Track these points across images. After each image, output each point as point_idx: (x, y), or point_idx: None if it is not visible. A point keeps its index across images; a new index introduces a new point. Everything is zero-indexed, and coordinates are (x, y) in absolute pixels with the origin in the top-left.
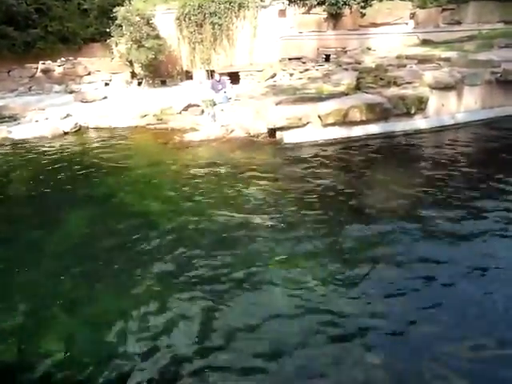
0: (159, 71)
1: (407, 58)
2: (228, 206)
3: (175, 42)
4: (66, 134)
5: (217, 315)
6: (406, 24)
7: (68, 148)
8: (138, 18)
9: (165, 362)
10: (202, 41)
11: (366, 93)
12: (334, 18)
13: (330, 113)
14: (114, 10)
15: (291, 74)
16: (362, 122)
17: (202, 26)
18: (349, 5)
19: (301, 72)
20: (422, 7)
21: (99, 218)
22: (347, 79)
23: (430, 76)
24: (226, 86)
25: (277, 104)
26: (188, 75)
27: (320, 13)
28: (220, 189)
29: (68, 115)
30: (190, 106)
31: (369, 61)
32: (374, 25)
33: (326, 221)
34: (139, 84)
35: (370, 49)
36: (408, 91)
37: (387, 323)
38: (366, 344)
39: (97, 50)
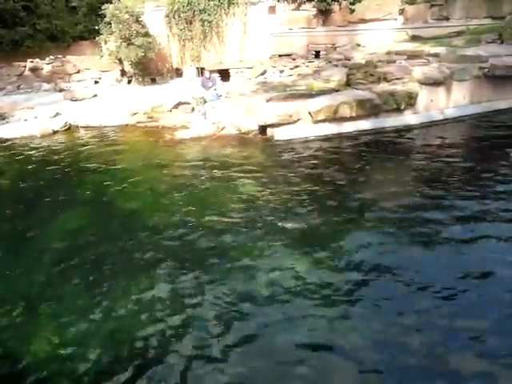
0: (149, 69)
1: (396, 53)
2: (219, 204)
3: (165, 39)
4: (55, 132)
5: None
6: (395, 20)
7: (57, 147)
8: (127, 16)
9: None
10: (191, 38)
11: (356, 89)
12: (324, 14)
13: (321, 109)
14: (102, 8)
15: (281, 71)
16: (352, 118)
17: (191, 23)
18: (338, 1)
19: (291, 69)
20: (411, 3)
21: (88, 217)
22: (337, 75)
23: (419, 72)
24: (216, 84)
25: (267, 101)
26: (178, 73)
27: (309, 9)
28: (211, 186)
29: (57, 114)
30: (180, 103)
31: (358, 57)
32: (363, 21)
33: (316, 216)
34: (129, 82)
35: (359, 45)
36: (398, 87)
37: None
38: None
39: (86, 48)
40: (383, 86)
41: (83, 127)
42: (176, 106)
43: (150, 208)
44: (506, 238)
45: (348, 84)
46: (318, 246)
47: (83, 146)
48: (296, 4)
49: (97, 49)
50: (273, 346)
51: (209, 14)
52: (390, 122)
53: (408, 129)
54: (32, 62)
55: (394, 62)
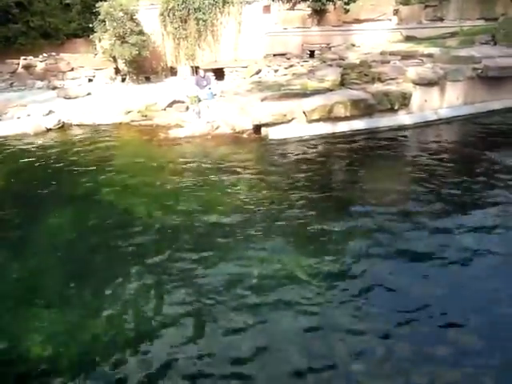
0: (143, 67)
1: (391, 53)
2: (212, 202)
3: (159, 37)
4: (48, 130)
5: (202, 312)
6: (390, 20)
7: (50, 145)
8: (121, 14)
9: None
10: (186, 37)
11: (351, 89)
12: (318, 14)
13: (315, 109)
14: (96, 6)
15: (276, 70)
16: (346, 118)
17: (186, 21)
18: (332, 1)
19: (286, 68)
20: (405, 4)
21: (81, 215)
22: (332, 75)
23: (413, 72)
24: (210, 83)
25: (262, 100)
26: (172, 71)
27: (304, 9)
28: (205, 186)
29: (51, 112)
30: (174, 102)
31: (353, 57)
32: (358, 21)
33: (309, 216)
34: (123, 80)
35: (354, 45)
36: (392, 87)
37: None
38: None
39: (80, 46)
40: (377, 86)
41: (77, 125)
42: (170, 105)
43: (143, 207)
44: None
45: (342, 84)
46: (312, 246)
47: (76, 144)
48: (291, 3)
49: (91, 47)
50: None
51: (203, 13)
52: (384, 121)
53: (402, 129)
54: (25, 59)
55: (389, 62)
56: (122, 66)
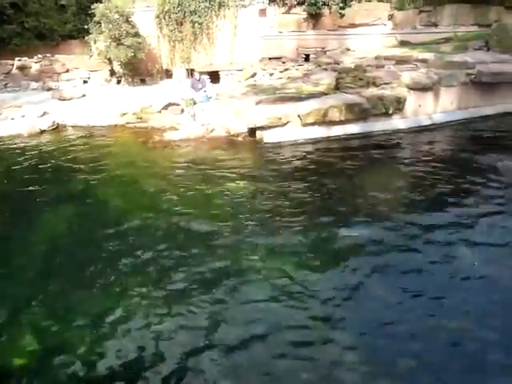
0: (139, 69)
1: (385, 58)
2: (207, 206)
3: (155, 40)
4: (43, 132)
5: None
6: (385, 25)
7: (45, 146)
8: (116, 16)
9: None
10: (181, 39)
11: (345, 93)
12: (314, 18)
13: (310, 112)
14: (92, 7)
15: (271, 74)
16: (341, 122)
17: (182, 24)
18: (328, 5)
19: (281, 72)
20: (400, 9)
21: (75, 218)
22: (326, 79)
23: (407, 77)
24: (206, 85)
25: (257, 103)
26: (168, 74)
27: (300, 13)
28: (199, 188)
29: (45, 113)
30: (170, 104)
31: (348, 61)
32: (353, 25)
33: (303, 220)
34: (118, 82)
35: (348, 49)
36: (386, 91)
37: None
38: None
39: (75, 47)
40: (372, 91)
41: (71, 127)
42: (165, 107)
43: (137, 209)
44: (487, 242)
45: (337, 88)
46: (306, 249)
47: (71, 145)
48: (286, 7)
49: (86, 48)
50: None
51: (199, 16)
52: (379, 126)
53: (396, 133)
54: (20, 60)
55: (383, 66)
56: (117, 67)
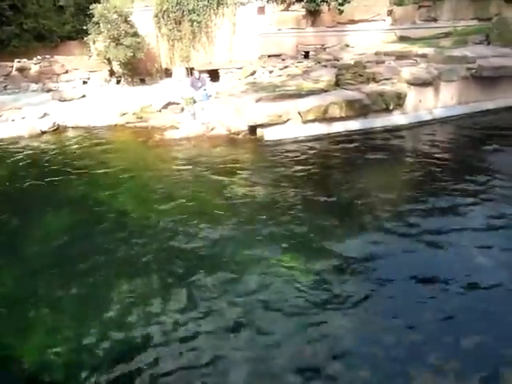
0: (138, 69)
1: (385, 54)
2: (208, 205)
3: (154, 39)
4: (43, 133)
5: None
6: (384, 21)
7: (45, 148)
8: (115, 16)
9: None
10: (180, 38)
11: (346, 89)
12: (313, 15)
13: (310, 109)
14: (90, 8)
15: (271, 71)
16: (341, 119)
17: (180, 23)
18: (327, 2)
19: (280, 69)
20: (399, 4)
21: (77, 218)
22: (326, 76)
23: (407, 72)
24: (205, 84)
25: (257, 101)
26: (167, 73)
27: (299, 10)
28: (200, 187)
29: (45, 114)
30: (169, 103)
31: (347, 57)
32: (352, 21)
33: (305, 218)
34: (118, 82)
35: (348, 45)
36: (386, 87)
37: None
38: None
39: (74, 48)
40: (372, 87)
41: (72, 128)
42: (165, 107)
43: (138, 209)
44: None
45: (337, 84)
46: (308, 247)
47: (71, 146)
48: (285, 5)
49: (85, 49)
50: None
51: (198, 15)
52: (379, 122)
53: (397, 129)
54: (19, 61)
55: (383, 62)
56: (116, 67)
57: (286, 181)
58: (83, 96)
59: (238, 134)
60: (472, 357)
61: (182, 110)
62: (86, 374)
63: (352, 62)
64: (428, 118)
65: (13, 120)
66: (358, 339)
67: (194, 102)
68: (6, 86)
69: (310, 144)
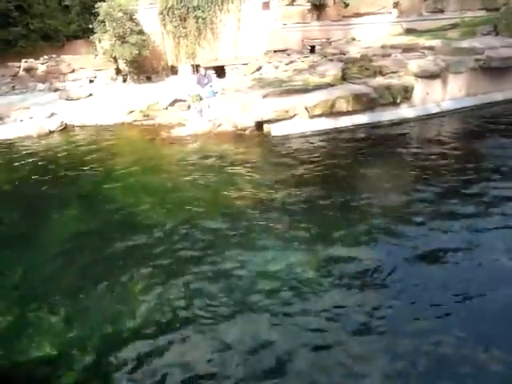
0: (144, 67)
1: (392, 47)
2: (217, 202)
3: (159, 37)
4: (51, 132)
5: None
6: (390, 13)
7: (54, 147)
8: (120, 14)
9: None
10: (186, 35)
11: (352, 83)
12: (318, 8)
13: (317, 104)
14: (96, 6)
15: (277, 67)
16: (348, 113)
17: (185, 20)
18: None
19: (286, 64)
20: None
21: (87, 217)
22: (333, 70)
23: (414, 65)
24: (211, 81)
25: (263, 97)
26: (173, 70)
27: (304, 4)
28: (208, 184)
29: (53, 114)
30: (176, 101)
31: (354, 51)
32: (358, 15)
33: (315, 213)
34: (124, 80)
35: (354, 39)
36: (393, 80)
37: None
38: None
39: (80, 47)
40: (379, 80)
41: (79, 126)
42: (172, 104)
43: (148, 207)
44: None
45: (344, 78)
46: (316, 244)
47: (80, 145)
48: None
49: (91, 48)
50: None
51: (202, 11)
52: (387, 115)
53: (405, 122)
54: (26, 62)
55: (390, 55)
56: (122, 66)
57: (293, 176)
58: (90, 95)
59: (244, 130)
60: None
61: (189, 107)
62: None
63: (358, 56)
64: (436, 110)
65: (21, 120)
66: None
67: (201, 98)
68: (13, 87)
69: (317, 139)
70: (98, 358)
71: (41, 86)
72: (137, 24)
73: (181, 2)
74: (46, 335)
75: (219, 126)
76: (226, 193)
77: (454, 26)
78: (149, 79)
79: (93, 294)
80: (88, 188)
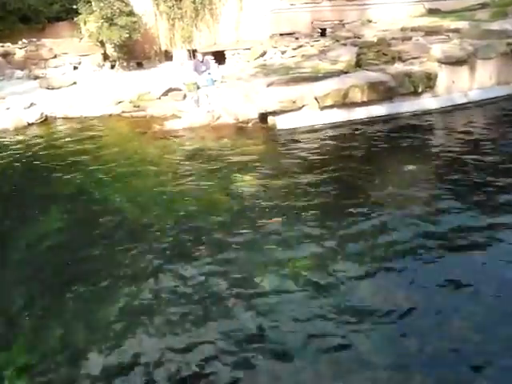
0: (134, 52)
1: (412, 29)
2: (215, 203)
3: (152, 18)
4: (30, 125)
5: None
6: None
7: (33, 141)
8: None
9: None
10: (181, 17)
11: (368, 70)
12: None
13: (328, 94)
14: None
15: (283, 52)
16: (363, 103)
17: None
18: None
19: (294, 49)
20: None
21: (69, 218)
22: (346, 56)
23: (438, 50)
24: (210, 67)
25: (268, 85)
26: (167, 56)
27: None
28: (206, 184)
29: (32, 104)
30: (170, 90)
31: (370, 34)
32: None
33: (325, 217)
34: (112, 67)
35: (370, 21)
36: (414, 67)
37: None
38: None
39: (63, 30)
40: (398, 67)
41: (61, 119)
42: (165, 93)
43: (137, 208)
44: None
45: (358, 65)
46: (327, 250)
47: (62, 139)
48: None
49: (75, 30)
50: None
51: None
52: (407, 106)
53: (427, 114)
54: (3, 46)
55: (410, 39)
56: (110, 51)
57: (301, 176)
58: (74, 83)
59: (246, 123)
60: None
61: (184, 96)
62: None
63: (375, 40)
64: (462, 100)
65: None
66: None
67: (198, 87)
68: None
69: (328, 133)
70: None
71: (19, 73)
72: (126, 4)
73: None
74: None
75: (218, 118)
76: (224, 194)
77: (482, 6)
78: (140, 66)
79: (72, 301)
80: (69, 188)
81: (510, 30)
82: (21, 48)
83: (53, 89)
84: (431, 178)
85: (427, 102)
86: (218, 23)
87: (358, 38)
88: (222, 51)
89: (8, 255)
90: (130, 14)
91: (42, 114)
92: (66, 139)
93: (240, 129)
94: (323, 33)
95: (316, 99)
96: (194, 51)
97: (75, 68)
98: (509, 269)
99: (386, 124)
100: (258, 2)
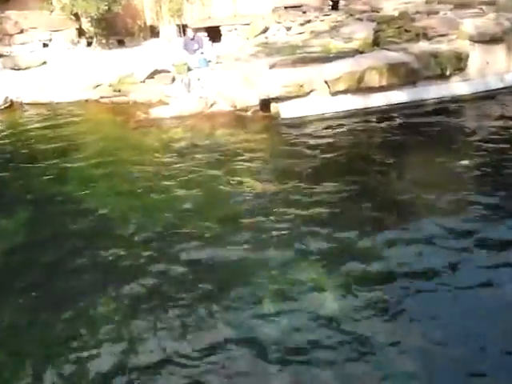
0: (115, 27)
1: (440, 2)
2: (208, 203)
3: None
4: None
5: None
6: None
7: None
8: None
9: None
10: None
11: (387, 50)
12: None
13: (341, 77)
14: None
15: (288, 28)
16: (382, 88)
17: None
18: None
19: (301, 24)
20: None
21: (38, 221)
22: (362, 33)
23: (470, 25)
24: (203, 46)
25: (271, 67)
26: (153, 32)
27: None
28: (197, 181)
29: None
30: (156, 72)
31: (389, 7)
32: None
33: (336, 221)
34: (89, 44)
35: None
36: (442, 46)
37: None
38: None
39: (31, 1)
40: (422, 46)
41: (29, 104)
42: (151, 76)
43: (117, 209)
44: None
45: (376, 43)
46: (338, 255)
47: (30, 128)
48: None
49: (46, 2)
50: None
51: None
52: (433, 92)
53: (457, 100)
54: None
55: (437, 13)
56: (86, 25)
57: (308, 172)
58: (44, 63)
59: (246, 111)
60: None
61: (173, 79)
62: None
63: (395, 14)
64: (498, 85)
65: None
66: None
67: (189, 69)
68: None
69: (340, 122)
70: None
71: None
72: None
73: None
74: None
75: (213, 104)
76: (217, 194)
77: None
78: (121, 43)
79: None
80: (38, 187)
81: None
82: None
83: (19, 69)
84: (460, 178)
85: (457, 86)
86: None
87: (376, 11)
88: (217, 27)
89: None
90: None
91: (6, 98)
92: (35, 128)
93: (238, 117)
94: (335, 5)
95: (326, 83)
96: (185, 27)
97: (45, 45)
98: None
99: (408, 112)
100: None
